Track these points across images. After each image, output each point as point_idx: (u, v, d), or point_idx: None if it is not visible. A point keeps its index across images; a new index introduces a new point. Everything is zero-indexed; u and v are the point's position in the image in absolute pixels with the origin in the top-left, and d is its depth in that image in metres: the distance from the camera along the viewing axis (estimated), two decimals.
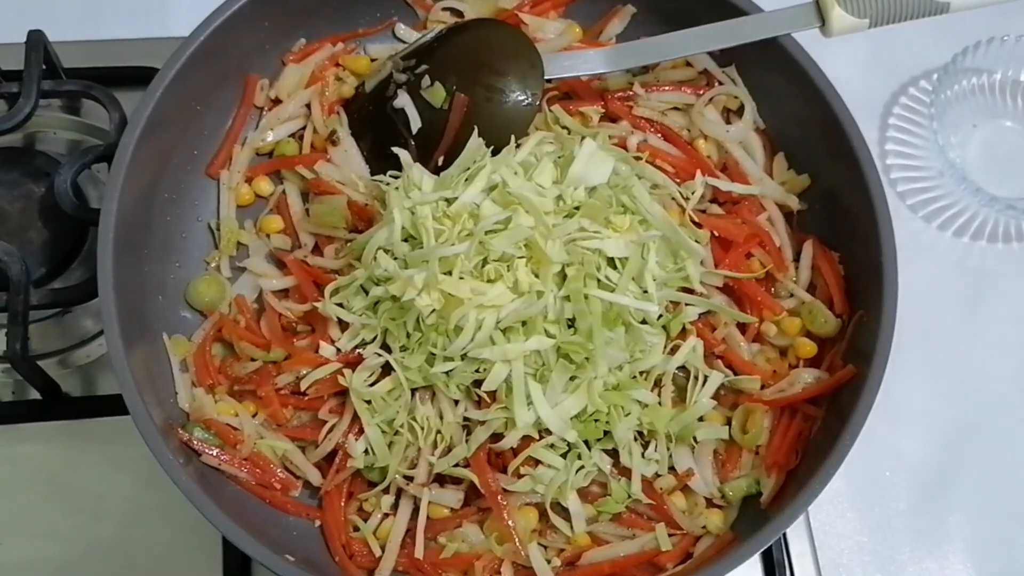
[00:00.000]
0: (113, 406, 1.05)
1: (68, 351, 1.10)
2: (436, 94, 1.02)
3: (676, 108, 1.10)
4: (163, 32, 1.20)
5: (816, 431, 0.97)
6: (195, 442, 0.94)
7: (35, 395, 1.07)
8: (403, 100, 1.03)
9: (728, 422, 1.01)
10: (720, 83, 1.10)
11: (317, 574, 0.89)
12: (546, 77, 1.03)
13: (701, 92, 1.09)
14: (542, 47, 1.08)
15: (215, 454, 0.94)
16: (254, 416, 0.99)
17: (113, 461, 1.05)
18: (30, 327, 1.02)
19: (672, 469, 0.98)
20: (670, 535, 0.95)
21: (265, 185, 1.08)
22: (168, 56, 0.99)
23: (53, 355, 1.10)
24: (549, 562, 0.95)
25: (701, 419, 0.99)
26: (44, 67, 1.12)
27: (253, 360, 1.01)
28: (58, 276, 1.10)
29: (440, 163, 1.02)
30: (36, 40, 1.12)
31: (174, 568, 1.02)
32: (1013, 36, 1.26)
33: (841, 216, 1.02)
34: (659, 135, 1.09)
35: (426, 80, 1.03)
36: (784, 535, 1.06)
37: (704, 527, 0.96)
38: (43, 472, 1.05)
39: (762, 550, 0.89)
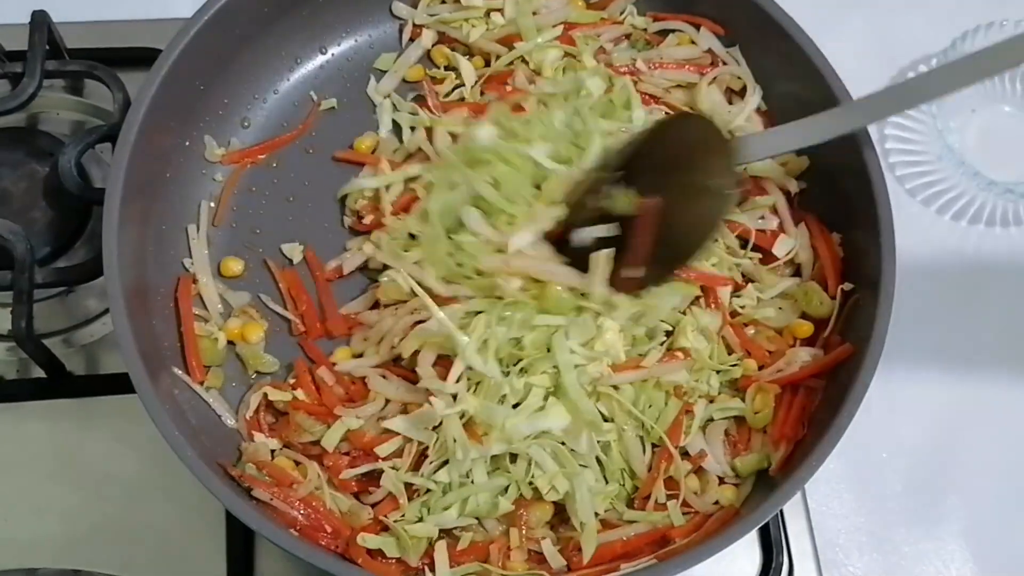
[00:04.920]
0: (117, 384, 1.05)
1: (72, 330, 1.10)
2: (626, 200, 0.95)
3: (679, 86, 1.11)
4: (165, 13, 1.20)
5: (818, 405, 0.98)
6: (247, 478, 0.93)
7: (39, 373, 1.07)
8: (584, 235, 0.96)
9: None
10: (724, 63, 1.11)
11: (320, 550, 0.89)
12: (740, 163, 0.99)
13: (705, 71, 1.10)
14: (546, 18, 1.11)
15: (268, 493, 0.92)
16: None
17: (117, 439, 1.05)
18: (34, 306, 1.02)
19: (685, 453, 0.99)
20: (683, 513, 0.96)
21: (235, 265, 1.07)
22: (171, 37, 1.00)
23: (57, 334, 1.10)
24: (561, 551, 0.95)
25: (712, 401, 1.01)
26: (48, 47, 1.12)
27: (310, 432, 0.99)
28: (62, 255, 1.10)
29: (641, 271, 0.95)
30: (40, 20, 1.12)
31: (178, 545, 1.02)
32: (1012, 21, 1.27)
33: (840, 198, 1.03)
34: (663, 110, 1.10)
35: (616, 188, 0.96)
36: (782, 515, 1.07)
37: (716, 503, 0.97)
38: (47, 450, 1.05)
39: (760, 525, 0.89)
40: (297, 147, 1.12)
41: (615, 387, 0.96)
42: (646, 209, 0.93)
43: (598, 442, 0.96)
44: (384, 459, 0.96)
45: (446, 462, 0.94)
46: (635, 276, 0.95)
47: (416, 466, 0.96)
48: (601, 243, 0.95)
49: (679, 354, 0.99)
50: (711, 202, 0.96)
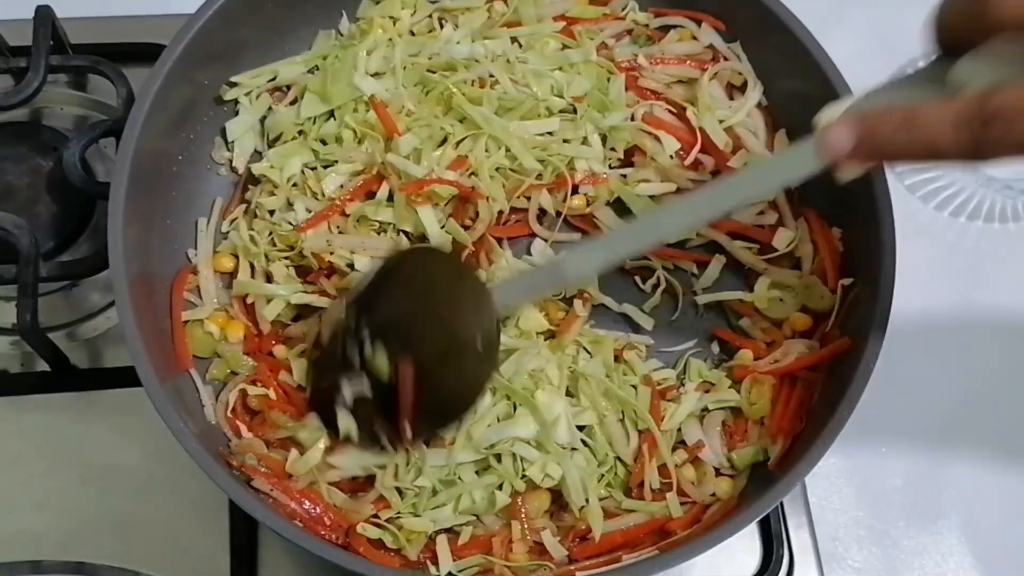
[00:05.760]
0: (121, 378, 1.06)
1: (76, 324, 1.11)
2: (379, 365, 0.86)
3: (680, 81, 1.12)
4: (169, 9, 1.19)
5: (816, 398, 0.99)
6: (247, 468, 0.93)
7: (43, 367, 1.08)
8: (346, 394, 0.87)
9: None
10: (725, 59, 1.11)
11: (327, 540, 0.90)
12: (501, 313, 0.90)
13: (706, 67, 1.11)
14: (547, 9, 1.11)
15: (268, 484, 0.93)
16: None
17: (121, 432, 1.06)
18: (38, 300, 1.02)
19: (682, 443, 1.00)
20: (681, 504, 0.97)
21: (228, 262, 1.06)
22: (175, 32, 1.00)
23: (61, 328, 1.10)
24: (562, 541, 0.96)
25: (708, 391, 1.01)
26: (52, 43, 1.13)
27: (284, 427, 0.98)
28: (66, 249, 1.11)
29: (409, 433, 0.87)
30: (44, 15, 1.13)
31: (182, 537, 1.02)
32: None
33: (840, 193, 1.02)
34: (664, 106, 1.10)
35: (367, 346, 0.86)
36: (782, 508, 1.07)
37: (713, 494, 0.98)
38: (51, 443, 1.06)
39: (761, 518, 0.90)
40: None
41: (583, 375, 0.98)
42: (403, 376, 0.85)
43: (581, 428, 0.97)
44: None
45: None
46: (408, 433, 0.87)
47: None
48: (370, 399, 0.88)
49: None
50: (474, 361, 0.87)
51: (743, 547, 1.05)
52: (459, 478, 0.94)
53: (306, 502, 0.93)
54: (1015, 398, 1.19)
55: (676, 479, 0.97)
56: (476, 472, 0.95)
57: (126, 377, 1.02)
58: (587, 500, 0.94)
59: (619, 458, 0.98)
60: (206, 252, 1.05)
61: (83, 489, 1.04)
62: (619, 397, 0.98)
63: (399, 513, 0.94)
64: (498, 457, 0.94)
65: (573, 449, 0.96)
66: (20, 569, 0.94)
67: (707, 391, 1.02)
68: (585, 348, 1.01)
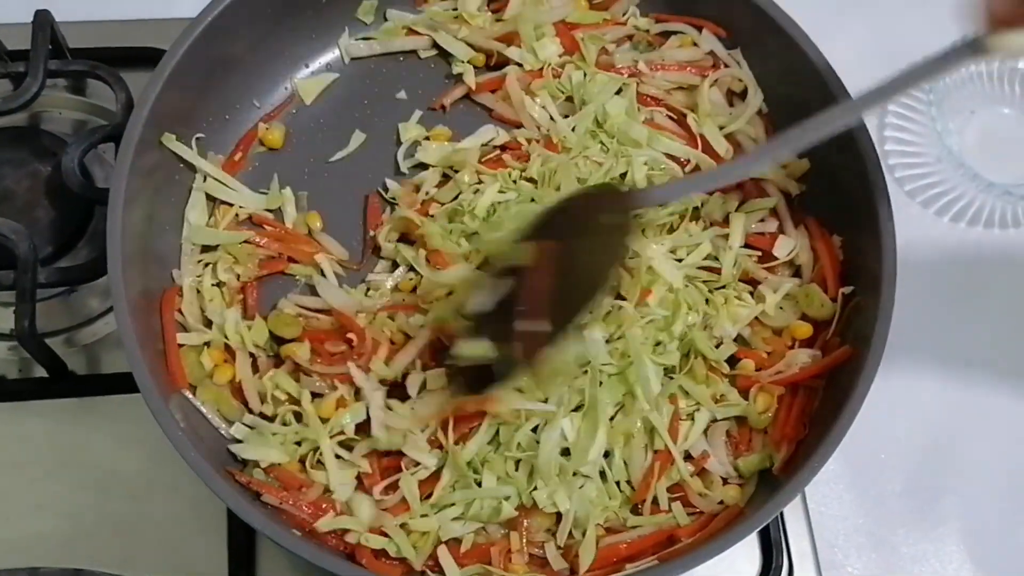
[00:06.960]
0: (119, 384, 1.06)
1: (73, 330, 1.11)
2: (519, 251, 0.92)
3: (681, 88, 1.12)
4: (168, 13, 1.20)
5: (818, 405, 0.99)
6: (254, 483, 0.94)
7: (41, 373, 1.07)
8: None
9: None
10: (725, 65, 1.11)
11: (324, 549, 0.90)
12: (636, 207, 0.98)
13: (706, 74, 1.10)
14: (545, 15, 1.11)
15: (278, 497, 0.93)
16: None
17: (119, 438, 1.06)
18: (36, 305, 1.01)
19: (688, 456, 0.99)
20: (689, 514, 0.96)
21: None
22: (175, 37, 1.00)
23: (59, 333, 1.10)
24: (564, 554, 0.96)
25: (718, 401, 1.01)
26: (50, 47, 1.12)
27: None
28: (65, 255, 1.10)
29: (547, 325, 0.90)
30: (43, 19, 1.12)
31: (180, 543, 1.02)
32: None
33: (840, 200, 1.03)
34: (665, 112, 1.10)
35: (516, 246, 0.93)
36: (782, 516, 1.07)
37: (721, 502, 0.97)
38: (49, 449, 1.06)
39: (762, 526, 0.90)
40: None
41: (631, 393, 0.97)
42: (540, 252, 0.91)
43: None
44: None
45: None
46: (538, 330, 0.90)
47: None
48: (503, 306, 0.91)
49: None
50: (605, 239, 0.93)
51: (743, 555, 1.05)
52: (477, 484, 0.94)
53: (316, 513, 0.93)
54: (1015, 404, 1.18)
55: (686, 493, 0.97)
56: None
57: (124, 383, 1.01)
58: (583, 534, 0.94)
59: (628, 481, 0.98)
60: (191, 275, 1.03)
61: (81, 495, 1.04)
62: (650, 419, 0.97)
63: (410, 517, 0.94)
64: (516, 465, 0.95)
65: (586, 477, 0.96)
66: None
67: (716, 401, 1.01)
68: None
